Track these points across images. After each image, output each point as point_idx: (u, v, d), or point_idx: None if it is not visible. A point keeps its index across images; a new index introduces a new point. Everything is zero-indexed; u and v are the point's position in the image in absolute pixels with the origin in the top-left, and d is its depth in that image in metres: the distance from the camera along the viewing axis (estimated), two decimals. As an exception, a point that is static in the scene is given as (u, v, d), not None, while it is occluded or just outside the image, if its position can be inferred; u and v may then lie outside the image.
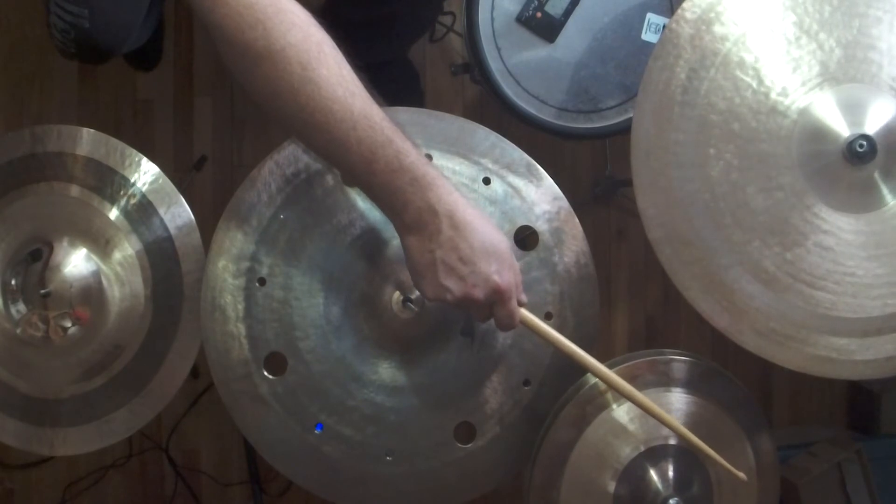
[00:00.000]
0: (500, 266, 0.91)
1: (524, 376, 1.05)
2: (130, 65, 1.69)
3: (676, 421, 0.99)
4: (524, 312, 0.95)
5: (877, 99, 0.97)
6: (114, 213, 1.11)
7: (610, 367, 1.03)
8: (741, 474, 1.00)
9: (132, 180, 1.11)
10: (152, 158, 1.12)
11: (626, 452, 1.03)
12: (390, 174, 0.88)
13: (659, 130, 0.98)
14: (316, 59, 0.87)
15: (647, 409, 0.98)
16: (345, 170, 0.93)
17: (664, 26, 1.25)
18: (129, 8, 1.05)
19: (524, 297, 0.96)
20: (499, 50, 1.29)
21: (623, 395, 0.99)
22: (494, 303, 0.92)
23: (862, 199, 0.98)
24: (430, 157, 1.03)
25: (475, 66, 1.32)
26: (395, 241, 1.03)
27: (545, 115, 1.31)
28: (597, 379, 1.01)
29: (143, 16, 1.07)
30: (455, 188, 0.97)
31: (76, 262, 1.09)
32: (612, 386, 0.98)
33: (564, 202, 1.06)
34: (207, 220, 1.10)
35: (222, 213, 1.03)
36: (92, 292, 1.09)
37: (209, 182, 1.76)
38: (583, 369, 0.99)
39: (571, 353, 0.97)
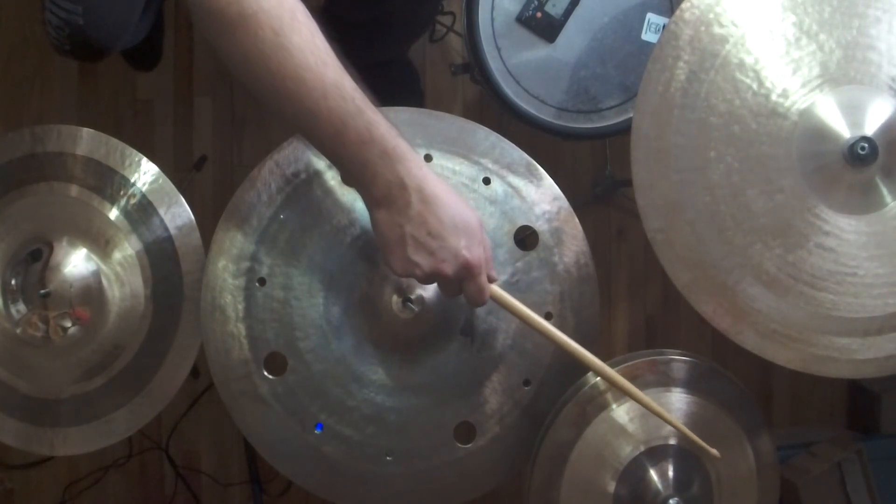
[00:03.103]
0: (470, 241, 0.90)
1: (524, 376, 1.05)
2: (130, 65, 1.69)
3: (647, 397, 0.99)
4: (495, 288, 0.95)
5: (876, 99, 0.97)
6: (114, 213, 1.11)
7: (609, 367, 1.03)
8: (717, 452, 1.01)
9: (132, 180, 1.11)
10: (152, 158, 1.12)
11: (626, 452, 1.03)
12: (360, 146, 0.88)
13: (659, 133, 0.98)
14: (289, 26, 0.86)
15: (619, 385, 0.99)
16: (315, 141, 0.92)
17: (664, 26, 1.25)
18: (123, 6, 1.05)
19: (495, 274, 0.95)
20: (499, 50, 1.29)
21: (594, 371, 0.99)
22: (464, 278, 0.92)
23: (863, 200, 0.98)
24: (429, 157, 1.03)
25: (475, 66, 1.32)
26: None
27: (545, 115, 1.31)
28: (597, 378, 1.01)
29: (139, 14, 1.07)
30: (455, 188, 0.98)
31: (76, 262, 1.09)
32: (581, 361, 0.98)
33: (564, 202, 1.06)
34: (207, 220, 1.10)
35: (222, 213, 1.03)
36: (92, 292, 1.09)
37: (209, 182, 1.76)
38: (553, 343, 0.99)
39: (541, 328, 0.97)
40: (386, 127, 0.88)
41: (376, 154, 0.88)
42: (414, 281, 1.01)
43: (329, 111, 0.87)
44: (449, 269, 0.90)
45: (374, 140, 0.87)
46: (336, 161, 0.93)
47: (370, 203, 0.92)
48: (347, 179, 0.95)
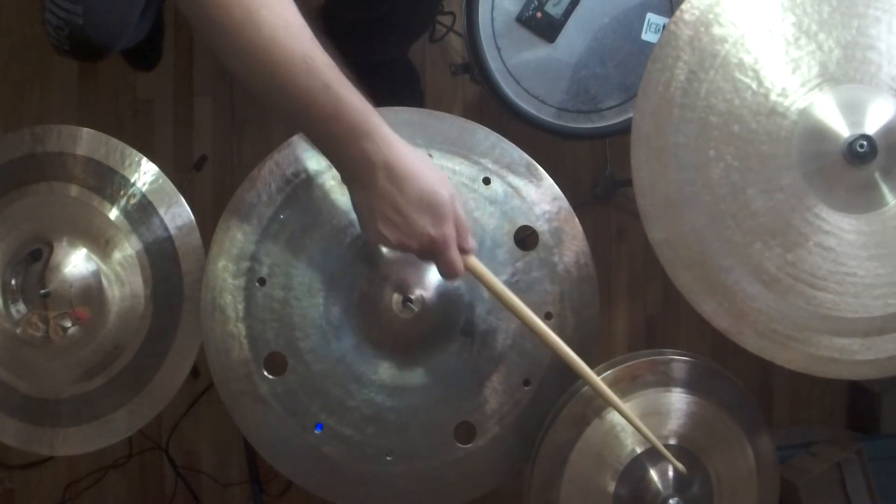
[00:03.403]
0: (436, 219, 0.91)
1: (524, 376, 1.05)
2: (130, 65, 1.70)
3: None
4: (472, 261, 0.95)
5: (876, 99, 0.97)
6: (114, 213, 1.11)
7: (609, 367, 1.03)
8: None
9: (132, 180, 1.11)
10: (152, 158, 1.12)
11: (626, 452, 1.03)
12: (327, 121, 0.88)
13: (659, 133, 0.98)
14: (259, 1, 0.86)
15: (576, 368, 0.98)
16: (285, 116, 0.92)
17: (664, 26, 1.24)
18: (123, 6, 1.05)
19: (471, 244, 0.95)
20: (499, 50, 1.29)
21: (559, 355, 0.98)
22: (432, 253, 0.93)
23: (862, 200, 0.98)
24: (429, 156, 1.03)
25: (475, 66, 1.32)
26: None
27: (545, 115, 1.31)
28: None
29: (139, 14, 1.07)
30: (455, 188, 0.98)
31: (76, 262, 1.09)
32: (549, 345, 0.98)
33: (564, 202, 1.06)
34: (207, 220, 1.10)
35: (222, 213, 1.03)
36: (92, 292, 1.09)
37: (209, 182, 1.76)
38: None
39: (517, 311, 0.97)
40: (354, 102, 0.88)
41: (343, 130, 0.88)
42: (414, 281, 1.01)
43: (296, 87, 0.87)
44: (414, 244, 0.92)
45: (341, 116, 0.87)
46: (308, 135, 0.93)
47: (343, 176, 0.93)
48: (321, 153, 0.95)
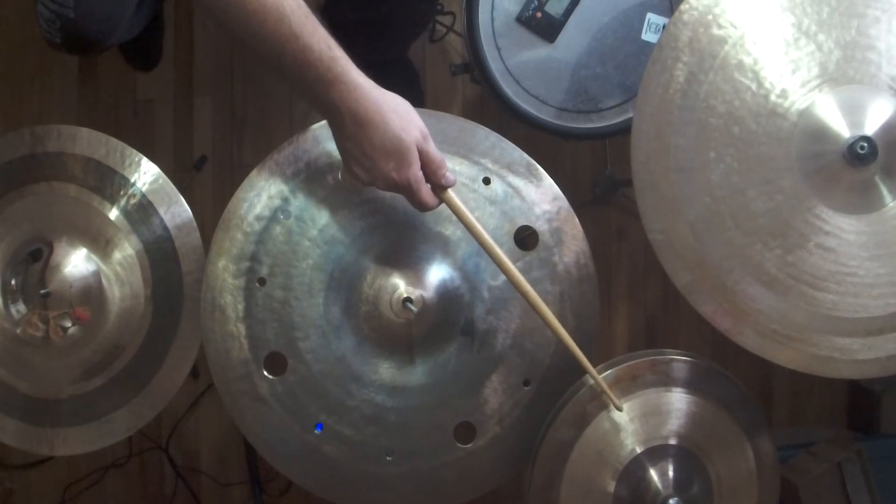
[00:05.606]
0: (399, 163, 0.94)
1: (524, 376, 1.06)
2: (130, 65, 1.70)
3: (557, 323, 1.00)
4: (448, 196, 0.98)
5: (876, 99, 0.97)
6: (114, 213, 1.11)
7: (609, 367, 1.03)
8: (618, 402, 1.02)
9: (132, 180, 1.11)
10: (152, 158, 1.12)
11: (626, 452, 1.03)
12: (298, 70, 0.91)
13: (659, 134, 0.98)
14: None
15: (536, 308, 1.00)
16: (265, 63, 0.95)
17: (664, 26, 1.24)
18: (115, 0, 1.06)
19: (448, 180, 0.98)
20: (499, 50, 1.29)
21: (521, 294, 1.00)
22: (401, 192, 0.97)
23: (863, 200, 0.98)
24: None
25: (475, 66, 1.32)
26: (394, 241, 1.04)
27: (545, 115, 1.31)
28: (592, 382, 1.01)
29: (132, 9, 1.07)
30: (455, 188, 0.98)
31: (76, 262, 1.09)
32: (515, 285, 1.00)
33: (564, 202, 1.06)
34: (207, 220, 1.10)
35: (222, 213, 1.03)
36: (92, 292, 1.09)
37: (209, 182, 1.76)
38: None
39: (488, 248, 0.99)
40: (321, 50, 0.91)
41: (312, 78, 0.91)
42: (414, 281, 1.01)
43: (271, 35, 0.90)
44: (381, 186, 0.97)
45: (309, 65, 0.91)
46: (290, 83, 0.96)
47: (324, 118, 0.97)
48: (309, 106, 0.98)
